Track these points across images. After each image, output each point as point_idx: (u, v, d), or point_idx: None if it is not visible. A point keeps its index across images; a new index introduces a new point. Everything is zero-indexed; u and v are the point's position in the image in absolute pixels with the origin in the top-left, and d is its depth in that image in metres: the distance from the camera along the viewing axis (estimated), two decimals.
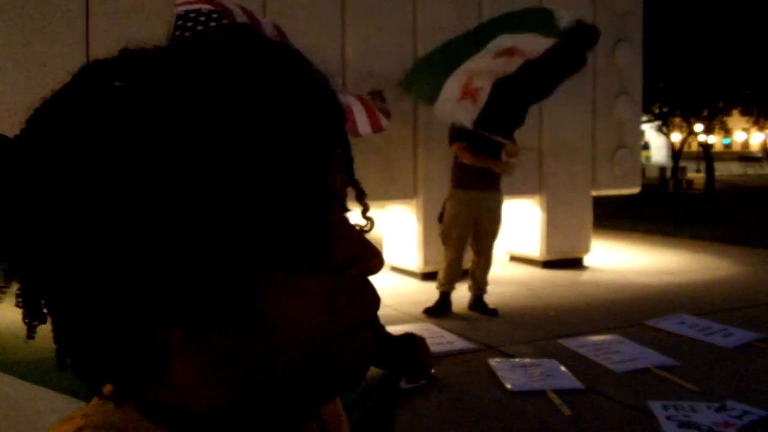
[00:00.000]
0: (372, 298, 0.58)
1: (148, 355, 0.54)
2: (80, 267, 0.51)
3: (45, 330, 0.56)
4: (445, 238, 6.72)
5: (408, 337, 2.10)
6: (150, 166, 0.49)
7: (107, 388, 0.58)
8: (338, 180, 0.58)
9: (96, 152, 0.50)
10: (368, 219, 0.63)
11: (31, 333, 0.56)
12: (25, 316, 0.55)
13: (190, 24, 2.86)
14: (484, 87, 6.04)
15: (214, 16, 2.90)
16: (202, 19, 2.94)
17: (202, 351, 0.54)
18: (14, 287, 0.58)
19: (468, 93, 6.08)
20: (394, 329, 2.26)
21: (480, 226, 6.67)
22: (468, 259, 6.89)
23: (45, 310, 0.55)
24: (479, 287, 6.84)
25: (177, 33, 2.75)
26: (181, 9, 3.04)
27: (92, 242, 0.50)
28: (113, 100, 0.51)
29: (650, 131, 41.30)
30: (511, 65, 6.08)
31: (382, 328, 2.02)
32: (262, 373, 0.54)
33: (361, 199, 0.64)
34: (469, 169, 6.45)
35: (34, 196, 0.51)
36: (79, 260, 0.51)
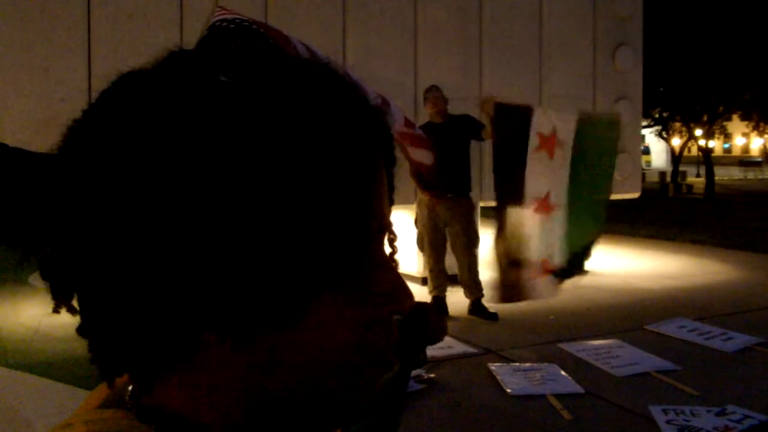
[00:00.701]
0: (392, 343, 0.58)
1: (183, 351, 0.53)
2: (145, 258, 0.50)
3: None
4: (420, 244, 6.90)
5: (417, 308, 2.05)
6: (253, 163, 0.49)
7: (102, 393, 0.57)
8: (388, 210, 0.58)
9: (200, 142, 0.49)
10: (394, 249, 0.62)
11: (56, 309, 0.55)
12: (55, 296, 0.54)
13: (225, 26, 2.88)
14: None
15: (245, 24, 2.92)
16: (233, 26, 2.97)
17: (238, 356, 0.53)
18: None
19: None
20: None
21: (452, 232, 6.87)
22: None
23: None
24: (472, 291, 6.89)
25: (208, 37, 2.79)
26: (217, 18, 3.06)
27: (168, 235, 0.49)
28: (220, 93, 0.51)
29: (650, 136, 41.32)
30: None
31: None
32: (286, 388, 0.54)
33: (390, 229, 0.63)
34: (432, 173, 6.41)
35: (110, 183, 0.50)
36: (145, 252, 0.50)
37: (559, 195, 5.72)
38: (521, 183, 5.63)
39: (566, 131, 5.73)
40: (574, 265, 5.89)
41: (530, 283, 5.67)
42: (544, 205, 5.67)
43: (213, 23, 3.04)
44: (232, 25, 2.95)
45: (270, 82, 0.52)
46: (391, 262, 0.59)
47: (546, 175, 5.66)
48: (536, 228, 5.64)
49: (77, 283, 0.53)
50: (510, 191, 5.72)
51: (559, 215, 5.70)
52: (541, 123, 5.69)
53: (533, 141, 5.64)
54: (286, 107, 0.51)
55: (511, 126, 5.76)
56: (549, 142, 5.67)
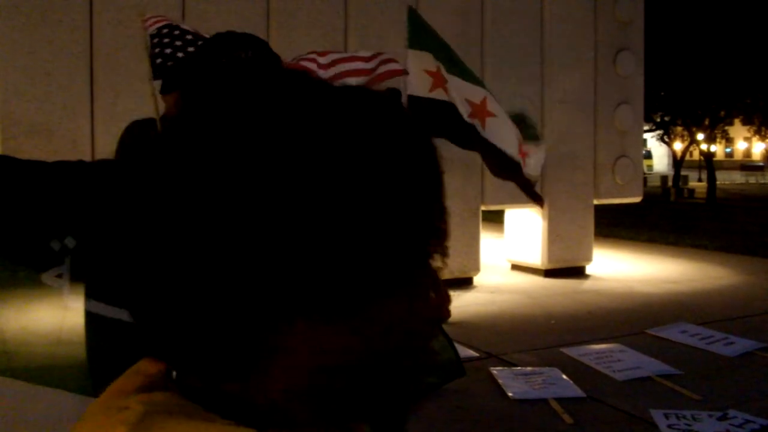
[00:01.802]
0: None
1: (260, 342, 0.56)
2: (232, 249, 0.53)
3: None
4: None
5: None
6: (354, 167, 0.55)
7: (131, 381, 0.59)
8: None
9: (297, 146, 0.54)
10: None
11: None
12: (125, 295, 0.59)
13: (167, 42, 2.85)
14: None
15: (189, 37, 2.90)
16: (178, 42, 2.93)
17: (313, 339, 0.56)
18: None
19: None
20: None
21: None
22: (471, 268, 6.92)
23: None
24: None
25: (156, 51, 2.76)
26: (152, 28, 3.03)
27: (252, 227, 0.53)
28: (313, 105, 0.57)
29: (652, 140, 41.33)
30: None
31: None
32: (347, 370, 0.58)
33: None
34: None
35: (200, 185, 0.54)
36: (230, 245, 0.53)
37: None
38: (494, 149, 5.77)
39: (494, 102, 5.90)
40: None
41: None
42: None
43: (150, 34, 3.00)
44: (165, 30, 2.92)
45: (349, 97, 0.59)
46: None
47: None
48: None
49: (153, 282, 0.56)
50: (499, 165, 5.90)
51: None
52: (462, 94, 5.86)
53: (464, 109, 5.76)
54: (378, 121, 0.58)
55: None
56: (480, 109, 5.81)
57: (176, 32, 2.90)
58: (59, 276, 1.72)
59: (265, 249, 0.53)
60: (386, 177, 0.56)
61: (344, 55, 5.38)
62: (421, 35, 6.43)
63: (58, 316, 1.77)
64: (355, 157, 0.55)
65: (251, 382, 0.57)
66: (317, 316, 0.55)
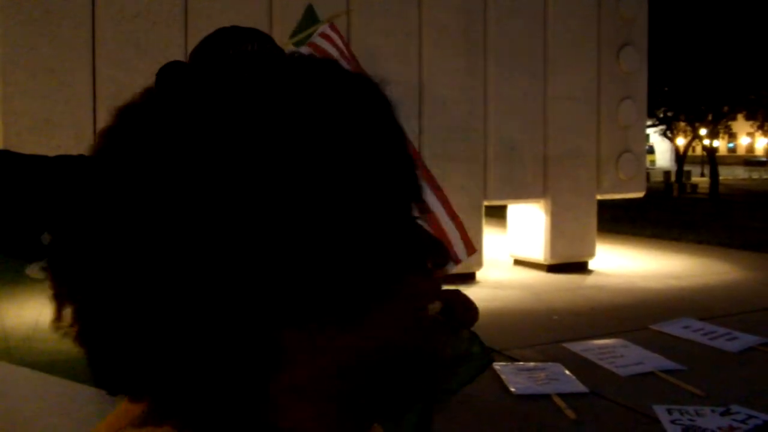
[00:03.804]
0: None
1: (264, 358, 0.52)
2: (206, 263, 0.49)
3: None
4: None
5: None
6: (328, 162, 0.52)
7: (127, 413, 0.54)
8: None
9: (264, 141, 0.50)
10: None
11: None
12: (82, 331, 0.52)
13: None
14: None
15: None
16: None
17: (319, 349, 0.53)
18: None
19: None
20: None
21: None
22: (473, 264, 6.91)
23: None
24: None
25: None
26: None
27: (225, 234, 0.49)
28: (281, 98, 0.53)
29: (655, 135, 41.29)
30: None
31: None
32: (351, 378, 0.55)
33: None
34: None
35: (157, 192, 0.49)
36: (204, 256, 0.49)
37: None
38: None
39: None
40: None
41: None
42: None
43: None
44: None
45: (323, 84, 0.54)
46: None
47: None
48: None
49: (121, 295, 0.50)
50: None
51: None
52: None
53: None
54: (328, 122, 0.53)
55: None
56: None
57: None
58: (45, 269, 1.72)
59: (247, 262, 0.49)
60: (376, 174, 0.53)
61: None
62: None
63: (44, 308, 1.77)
64: (344, 152, 0.52)
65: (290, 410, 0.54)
66: (314, 325, 0.52)
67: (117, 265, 0.49)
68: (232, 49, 1.73)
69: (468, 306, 1.99)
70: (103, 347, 0.52)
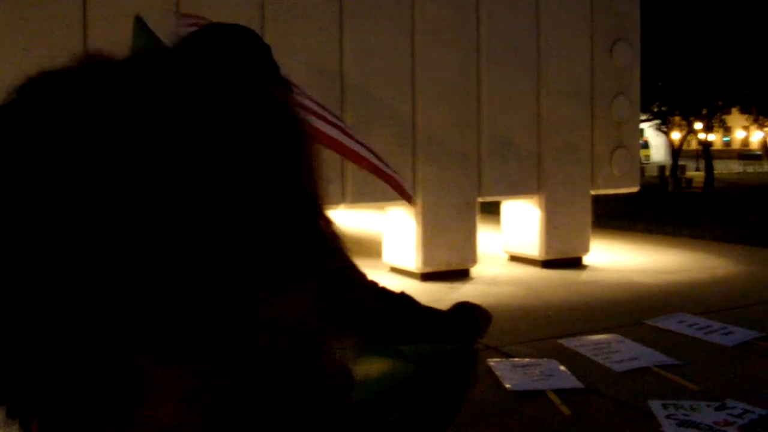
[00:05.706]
0: None
1: (126, 383, 0.48)
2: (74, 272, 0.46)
3: None
4: None
5: (460, 306, 2.05)
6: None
7: None
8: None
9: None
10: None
11: None
12: None
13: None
14: None
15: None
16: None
17: (186, 386, 0.50)
18: None
19: None
20: None
21: None
22: (468, 260, 6.91)
23: None
24: None
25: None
26: (185, 29, 2.97)
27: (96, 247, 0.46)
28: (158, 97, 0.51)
29: (649, 130, 41.34)
30: None
31: (424, 306, 2.01)
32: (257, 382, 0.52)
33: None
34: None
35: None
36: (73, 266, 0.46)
37: None
38: None
39: None
40: None
41: None
42: None
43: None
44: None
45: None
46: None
47: None
48: None
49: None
50: None
51: None
52: None
53: None
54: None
55: None
56: None
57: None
58: None
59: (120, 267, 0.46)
60: (267, 173, 0.50)
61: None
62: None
63: None
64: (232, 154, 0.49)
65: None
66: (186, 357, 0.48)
67: None
68: (219, 47, 1.72)
69: (485, 315, 2.01)
70: None
